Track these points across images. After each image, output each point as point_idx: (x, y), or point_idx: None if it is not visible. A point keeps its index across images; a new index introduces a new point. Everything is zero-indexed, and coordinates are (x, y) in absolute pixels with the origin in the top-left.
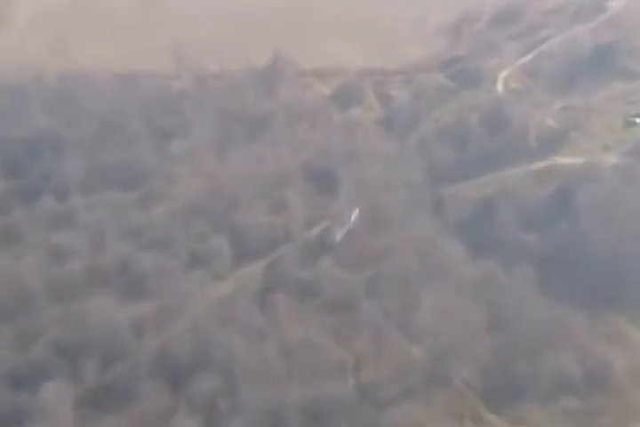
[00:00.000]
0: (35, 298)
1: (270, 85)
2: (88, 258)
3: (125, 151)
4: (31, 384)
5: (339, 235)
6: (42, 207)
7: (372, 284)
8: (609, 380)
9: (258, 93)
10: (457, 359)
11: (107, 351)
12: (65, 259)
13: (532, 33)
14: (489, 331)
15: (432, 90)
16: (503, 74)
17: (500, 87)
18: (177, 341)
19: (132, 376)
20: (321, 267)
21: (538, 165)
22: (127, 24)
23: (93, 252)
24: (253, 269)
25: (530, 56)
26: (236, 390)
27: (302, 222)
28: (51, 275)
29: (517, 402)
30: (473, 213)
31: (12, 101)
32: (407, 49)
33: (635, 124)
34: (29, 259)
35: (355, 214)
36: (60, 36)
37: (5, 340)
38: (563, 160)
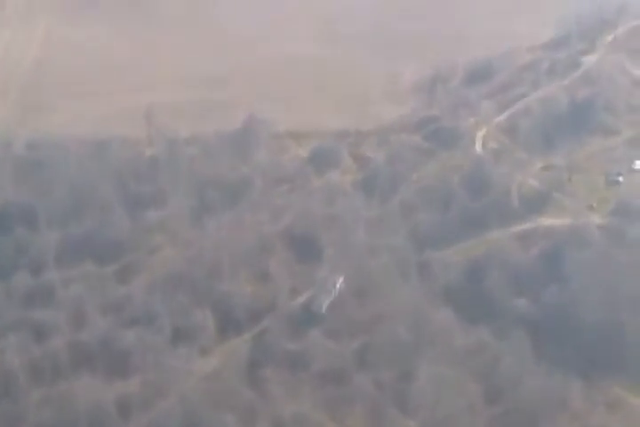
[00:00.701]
0: (17, 380)
1: (245, 149)
2: (69, 336)
3: (100, 221)
4: None
5: (325, 303)
6: (18, 283)
7: (363, 354)
8: None
9: (232, 158)
10: None
11: None
12: (45, 337)
13: (507, 90)
14: (485, 402)
15: (409, 151)
16: (480, 133)
17: (478, 147)
18: (165, 420)
19: None
20: (309, 338)
21: (522, 226)
22: (97, 89)
23: (74, 329)
24: (240, 342)
25: (506, 114)
26: None
27: (287, 291)
28: (32, 355)
29: None
30: (460, 277)
31: None
32: (381, 108)
33: (617, 182)
34: (9, 339)
35: (340, 282)
36: (28, 101)
37: None
38: (547, 221)
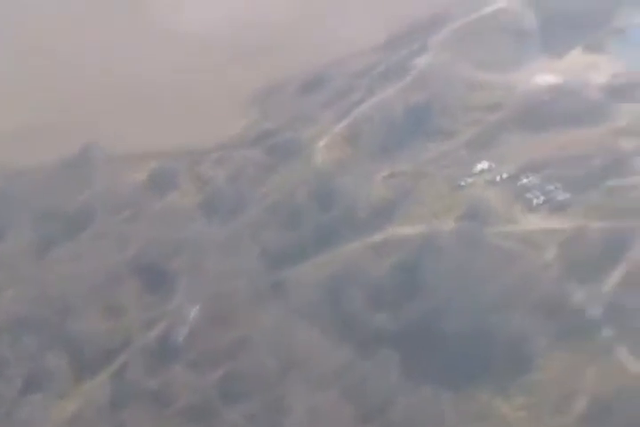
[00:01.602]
0: None
1: (82, 176)
2: None
3: None
4: None
5: (182, 334)
6: None
7: (229, 384)
8: None
9: (71, 186)
10: None
11: None
12: None
13: (344, 98)
14: (361, 424)
15: (250, 167)
16: (321, 143)
17: (320, 158)
18: None
19: None
20: (169, 372)
21: (375, 237)
22: None
23: None
24: (98, 383)
25: (345, 122)
26: None
27: (141, 324)
28: None
29: None
30: (318, 295)
31: None
32: (218, 124)
33: (462, 186)
34: None
35: (195, 310)
36: None
37: None
38: (399, 230)
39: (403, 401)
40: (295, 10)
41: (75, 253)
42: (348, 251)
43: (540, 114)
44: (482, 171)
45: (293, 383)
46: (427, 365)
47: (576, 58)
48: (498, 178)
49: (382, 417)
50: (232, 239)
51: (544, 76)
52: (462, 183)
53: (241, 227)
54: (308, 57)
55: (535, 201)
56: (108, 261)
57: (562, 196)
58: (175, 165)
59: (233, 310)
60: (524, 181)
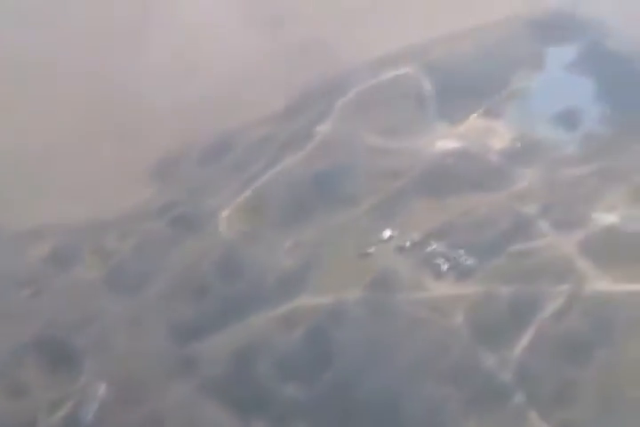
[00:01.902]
0: None
1: None
2: None
3: None
4: None
5: (89, 413)
6: None
7: None
8: None
9: None
10: None
11: None
12: None
13: (247, 166)
14: None
15: (155, 239)
16: (225, 214)
17: (224, 229)
18: None
19: None
20: None
21: (282, 308)
22: None
23: None
24: None
25: (248, 192)
26: None
27: (47, 405)
28: None
29: None
30: (228, 368)
31: None
32: (120, 196)
33: (367, 254)
34: None
35: (103, 388)
36: None
37: None
38: (307, 300)
39: None
40: (193, 75)
41: None
42: (256, 323)
43: (443, 179)
44: (389, 238)
45: None
46: None
47: (475, 123)
48: (404, 245)
49: None
50: (139, 314)
51: (445, 141)
52: (370, 251)
53: (148, 300)
54: (209, 124)
55: (442, 267)
56: (11, 341)
57: (467, 261)
58: (78, 238)
59: (142, 386)
60: (431, 247)
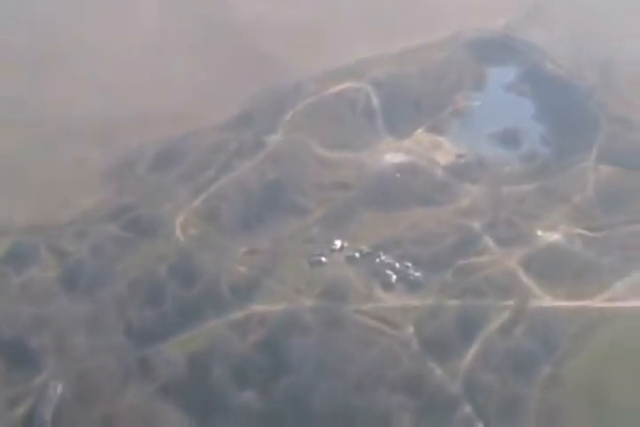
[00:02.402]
0: None
1: None
2: None
3: None
4: None
5: (47, 412)
6: None
7: None
8: None
9: None
10: None
11: None
12: None
13: (199, 174)
14: None
15: (110, 242)
16: (179, 220)
17: (179, 235)
18: None
19: None
20: None
21: (237, 314)
22: None
23: None
24: None
25: (201, 198)
26: None
27: (4, 403)
28: None
29: None
30: (183, 372)
31: None
32: (74, 198)
33: (320, 263)
34: None
35: (60, 387)
36: None
37: None
38: (260, 307)
39: None
40: (148, 84)
41: None
42: (211, 328)
43: (391, 192)
44: (340, 248)
45: None
46: None
47: (420, 138)
48: (355, 255)
49: None
50: (97, 314)
51: (392, 155)
52: (322, 260)
53: (105, 302)
54: (161, 131)
55: (391, 279)
56: None
57: (415, 274)
58: (33, 239)
59: (99, 387)
60: (380, 259)
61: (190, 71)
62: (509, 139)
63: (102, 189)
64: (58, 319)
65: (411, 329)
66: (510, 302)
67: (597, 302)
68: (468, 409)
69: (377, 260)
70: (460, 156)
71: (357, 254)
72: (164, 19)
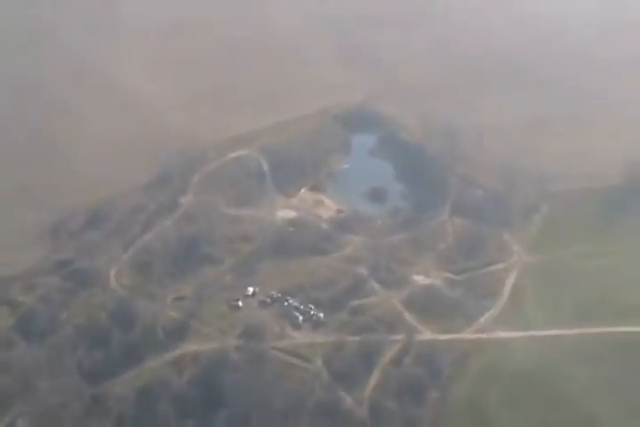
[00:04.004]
0: None
1: None
2: None
3: None
4: None
5: None
6: None
7: None
8: None
9: None
10: None
11: None
12: None
13: (126, 231)
14: None
15: (52, 292)
16: (113, 271)
17: (113, 284)
18: None
19: None
20: None
21: (172, 354)
22: None
23: None
24: None
25: (130, 252)
26: None
27: None
28: None
29: None
30: (131, 407)
31: None
32: (18, 255)
33: (238, 307)
34: None
35: (27, 424)
36: None
37: None
38: (191, 347)
39: None
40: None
41: None
42: (151, 366)
43: (286, 244)
44: (252, 293)
45: None
46: None
47: (304, 196)
48: (266, 300)
49: None
50: (53, 357)
51: (284, 211)
52: (239, 304)
53: (59, 345)
54: (84, 195)
55: (299, 320)
56: None
57: (318, 315)
58: None
59: (62, 422)
60: (287, 302)
61: (107, 141)
62: (376, 196)
63: (41, 247)
64: (19, 363)
65: (320, 362)
66: (399, 337)
67: (468, 334)
68: None
69: (285, 303)
70: (339, 211)
71: (268, 299)
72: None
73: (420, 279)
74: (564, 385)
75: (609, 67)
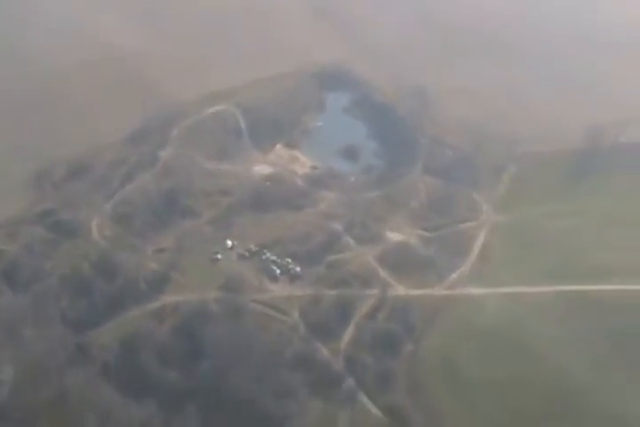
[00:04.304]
0: None
1: None
2: None
3: None
4: None
5: (2, 394)
6: None
7: None
8: None
9: None
10: None
11: None
12: None
13: (107, 183)
14: None
15: (36, 242)
16: (94, 222)
17: (95, 235)
18: None
19: None
20: None
21: (153, 304)
22: None
23: None
24: None
25: (111, 204)
26: None
27: None
28: None
29: None
30: (117, 355)
31: None
32: (1, 203)
33: (217, 260)
34: None
35: (10, 372)
36: None
37: None
38: (172, 298)
39: None
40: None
41: None
42: (133, 316)
43: (263, 199)
44: (231, 247)
45: None
46: (217, 415)
47: (280, 152)
48: (244, 253)
49: None
50: (38, 306)
51: (260, 166)
52: (218, 257)
53: (40, 296)
54: (66, 148)
55: (276, 273)
56: None
57: (295, 268)
58: None
59: (46, 371)
60: (265, 256)
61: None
62: (350, 154)
63: (24, 197)
64: (4, 311)
65: (297, 314)
66: (373, 292)
67: (439, 291)
68: (351, 383)
69: (263, 257)
70: (314, 167)
71: (247, 253)
72: None
73: (393, 236)
74: (532, 341)
75: (580, 39)
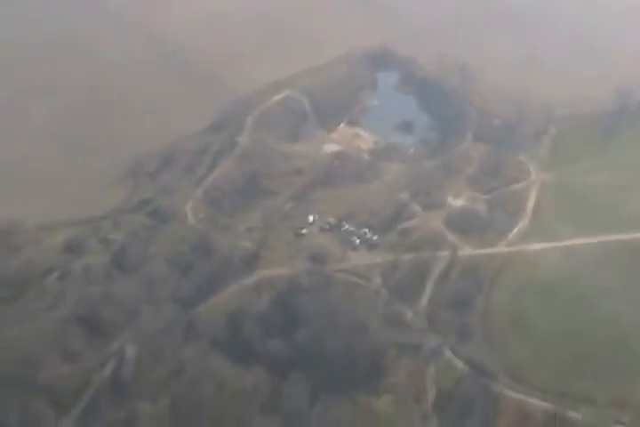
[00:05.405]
0: None
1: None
2: None
3: None
4: None
5: (129, 371)
6: None
7: (178, 409)
8: None
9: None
10: None
11: None
12: None
13: (194, 170)
14: None
15: (139, 229)
16: (189, 207)
17: (191, 219)
18: None
19: None
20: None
21: (249, 279)
22: None
23: None
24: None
25: (201, 189)
26: None
27: (97, 365)
28: None
29: None
30: (222, 330)
31: None
32: (102, 196)
33: (302, 235)
34: None
35: (133, 350)
36: None
37: None
38: (266, 273)
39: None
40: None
41: (21, 312)
42: (232, 292)
43: (335, 174)
44: (313, 221)
45: (227, 403)
46: (321, 379)
47: (344, 131)
48: (325, 227)
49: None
50: (149, 289)
51: (328, 145)
52: (303, 232)
53: (149, 278)
54: (150, 144)
55: (356, 243)
56: (52, 316)
57: (372, 238)
58: (81, 231)
59: (163, 346)
60: (344, 228)
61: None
62: (406, 127)
63: (123, 189)
64: (121, 295)
65: (379, 280)
66: (444, 254)
67: (502, 248)
68: (434, 339)
69: (342, 229)
70: (376, 142)
71: (327, 226)
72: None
73: (454, 201)
74: (590, 291)
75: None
